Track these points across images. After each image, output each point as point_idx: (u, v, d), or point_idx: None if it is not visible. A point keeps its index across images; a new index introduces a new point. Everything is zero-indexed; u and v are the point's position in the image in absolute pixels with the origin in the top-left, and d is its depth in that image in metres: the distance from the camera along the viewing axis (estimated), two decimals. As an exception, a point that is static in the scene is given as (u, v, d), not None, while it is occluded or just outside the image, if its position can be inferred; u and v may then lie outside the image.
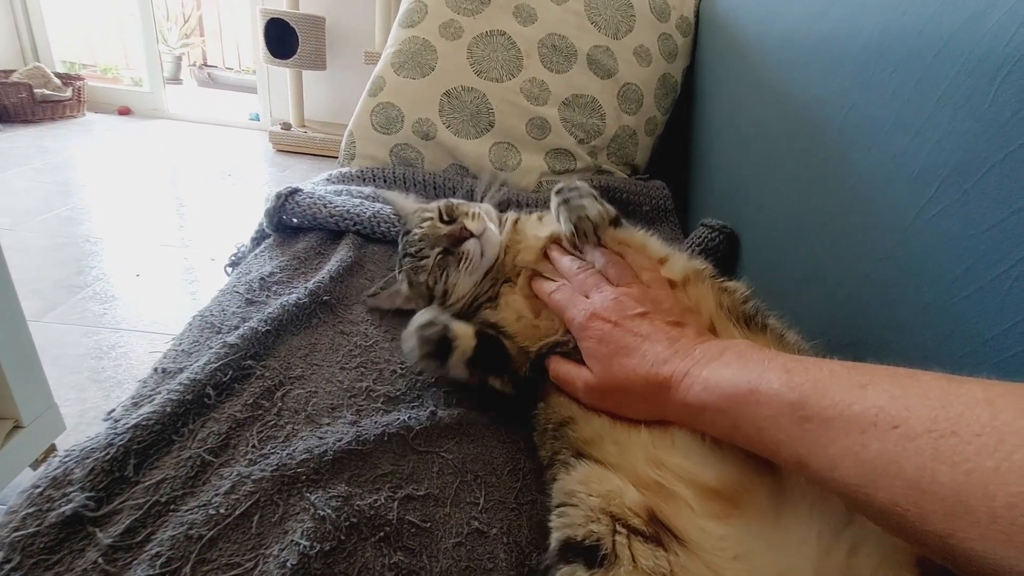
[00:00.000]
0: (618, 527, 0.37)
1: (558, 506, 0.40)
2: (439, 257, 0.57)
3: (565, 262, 0.54)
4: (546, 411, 0.50)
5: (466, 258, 0.55)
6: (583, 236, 0.53)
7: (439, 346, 0.49)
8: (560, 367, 0.49)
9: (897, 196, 0.56)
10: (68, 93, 3.15)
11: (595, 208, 0.54)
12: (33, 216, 1.98)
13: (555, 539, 0.38)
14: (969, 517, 0.23)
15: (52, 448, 0.97)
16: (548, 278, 0.55)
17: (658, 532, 0.37)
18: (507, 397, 0.51)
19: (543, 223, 0.62)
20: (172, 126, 3.48)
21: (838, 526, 0.35)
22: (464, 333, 0.51)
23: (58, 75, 3.21)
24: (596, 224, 0.53)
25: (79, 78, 3.31)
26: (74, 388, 1.23)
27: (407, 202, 0.70)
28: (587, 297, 0.49)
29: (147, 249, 1.88)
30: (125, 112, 3.52)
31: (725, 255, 0.85)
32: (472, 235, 0.56)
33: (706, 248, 0.85)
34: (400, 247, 0.62)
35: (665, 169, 1.17)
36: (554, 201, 0.57)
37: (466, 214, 0.59)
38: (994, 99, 0.46)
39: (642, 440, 0.43)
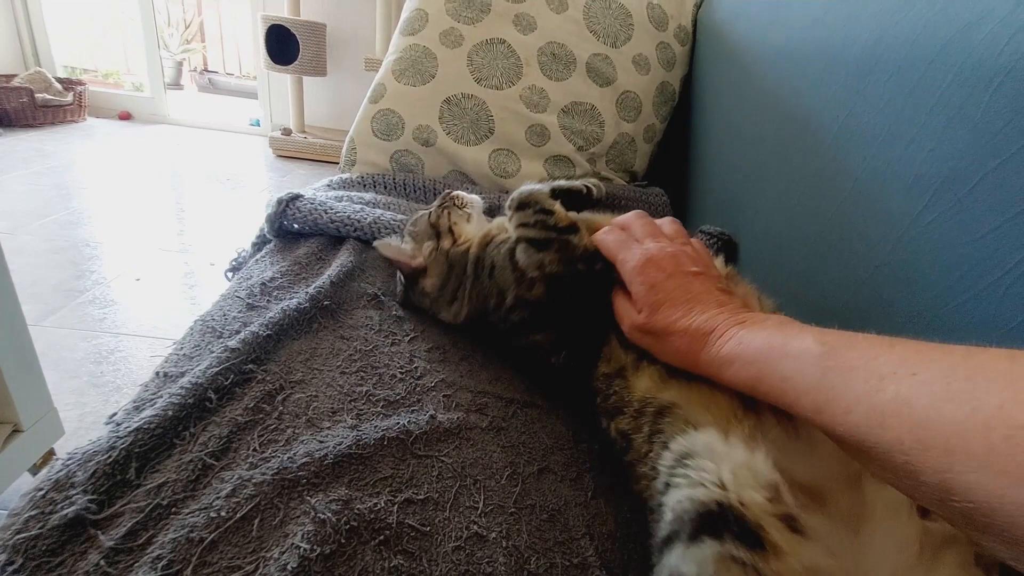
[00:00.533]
0: (772, 506, 0.35)
1: (679, 464, 0.39)
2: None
3: (626, 216, 0.56)
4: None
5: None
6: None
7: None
8: (618, 300, 0.51)
9: (892, 204, 0.56)
10: (69, 98, 3.17)
11: None
12: (33, 220, 1.98)
13: (682, 503, 0.36)
14: (968, 450, 0.24)
15: (51, 452, 0.97)
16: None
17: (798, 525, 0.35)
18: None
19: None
20: (173, 131, 3.49)
21: (912, 551, 0.34)
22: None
23: (59, 80, 3.22)
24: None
25: (80, 83, 3.33)
26: (73, 392, 1.23)
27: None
28: (640, 243, 0.51)
29: (147, 253, 1.89)
30: (126, 117, 3.54)
31: (724, 261, 0.86)
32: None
33: (704, 254, 0.85)
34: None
35: (664, 176, 1.18)
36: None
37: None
38: (987, 108, 0.47)
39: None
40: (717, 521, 0.34)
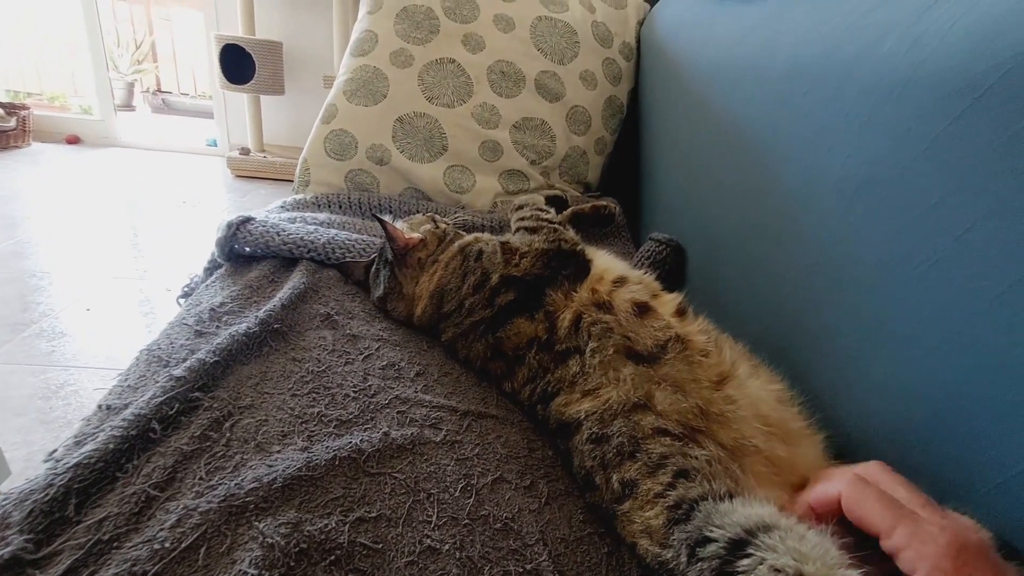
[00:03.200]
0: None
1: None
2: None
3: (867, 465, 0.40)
4: None
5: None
6: None
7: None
8: None
9: (819, 207, 0.60)
10: (12, 123, 3.04)
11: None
12: (-26, 252, 1.89)
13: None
14: None
15: (-5, 495, 0.92)
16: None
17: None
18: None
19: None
20: (125, 154, 3.39)
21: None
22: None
23: (1, 104, 3.10)
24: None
25: (24, 107, 3.20)
26: (20, 431, 1.17)
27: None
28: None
29: (99, 282, 1.82)
30: (74, 141, 3.42)
31: (672, 267, 0.89)
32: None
33: (655, 261, 0.88)
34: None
35: (616, 186, 1.21)
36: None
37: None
38: (892, 116, 0.51)
39: None
40: None
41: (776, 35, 0.70)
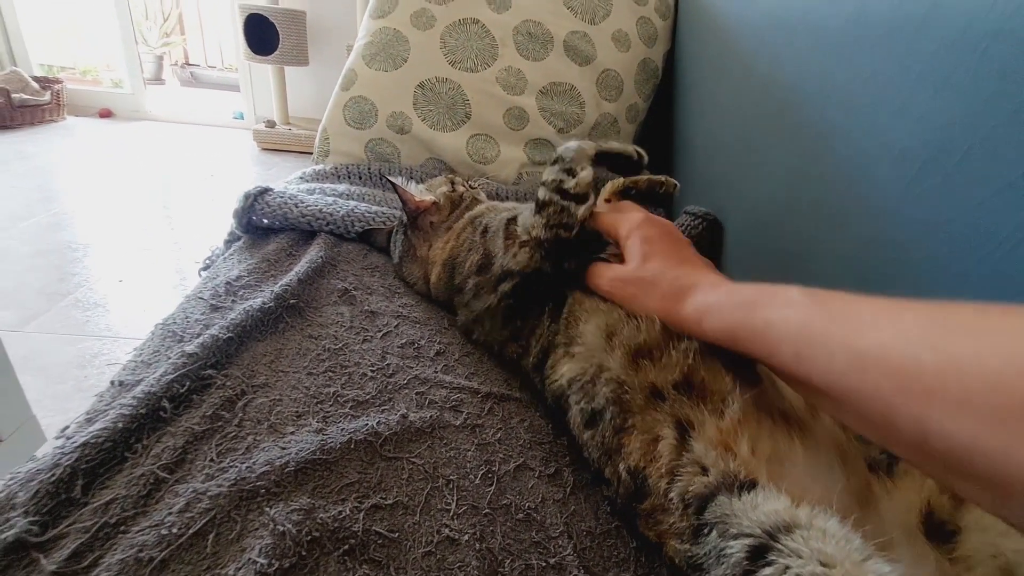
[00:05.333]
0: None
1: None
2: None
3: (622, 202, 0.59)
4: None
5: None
6: None
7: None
8: (596, 264, 0.53)
9: (879, 178, 0.54)
10: (47, 97, 3.10)
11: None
12: (13, 223, 1.94)
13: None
14: (945, 395, 0.24)
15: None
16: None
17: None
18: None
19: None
20: (155, 127, 3.43)
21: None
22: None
23: (36, 79, 3.15)
24: None
25: (57, 81, 3.26)
26: (57, 398, 1.20)
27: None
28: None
29: (131, 254, 1.86)
30: (106, 114, 3.47)
31: (709, 242, 0.84)
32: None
33: (690, 235, 0.83)
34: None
35: (649, 156, 1.15)
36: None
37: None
38: (975, 74, 0.45)
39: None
40: None
41: (837, -16, 0.63)
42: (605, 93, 1.02)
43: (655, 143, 1.17)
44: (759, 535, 0.32)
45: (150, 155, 2.96)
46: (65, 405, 1.19)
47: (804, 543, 0.30)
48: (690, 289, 0.44)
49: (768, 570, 0.30)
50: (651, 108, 1.13)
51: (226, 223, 0.77)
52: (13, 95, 2.92)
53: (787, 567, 0.29)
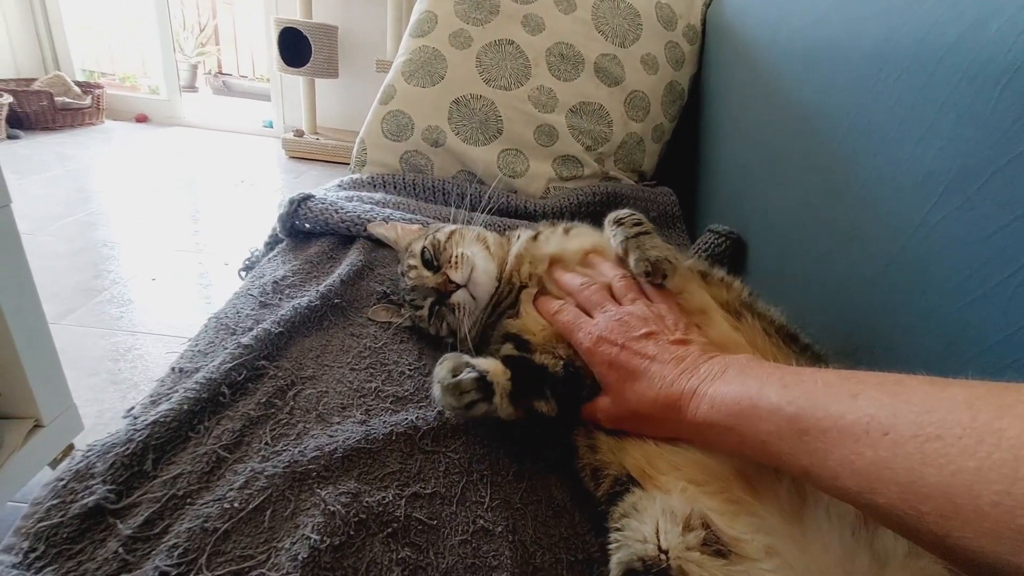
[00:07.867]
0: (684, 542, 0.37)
1: (616, 529, 0.40)
2: (435, 308, 0.56)
3: (567, 278, 0.54)
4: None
5: (459, 308, 0.54)
6: (659, 275, 0.50)
7: (480, 389, 0.45)
8: (586, 406, 0.49)
9: (901, 201, 0.56)
10: (87, 101, 3.23)
11: (668, 251, 0.52)
12: (52, 221, 2.03)
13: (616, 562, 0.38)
14: (960, 516, 0.24)
15: (71, 447, 0.99)
16: (553, 296, 0.55)
17: (714, 539, 0.37)
18: (551, 417, 0.48)
19: (571, 236, 0.60)
20: (188, 133, 3.55)
21: (857, 529, 0.36)
22: (494, 368, 0.47)
23: (78, 83, 3.29)
24: (674, 267, 0.50)
25: (98, 86, 3.40)
26: (92, 389, 1.25)
27: (395, 233, 0.72)
28: (592, 317, 0.50)
29: (162, 254, 1.92)
30: (142, 120, 3.60)
31: (732, 260, 0.86)
32: (458, 286, 0.55)
33: (712, 253, 0.85)
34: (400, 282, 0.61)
35: (672, 175, 1.17)
36: (617, 232, 0.55)
37: (449, 261, 0.56)
38: (996, 106, 0.46)
39: (659, 449, 0.44)
40: None
41: (863, 15, 0.65)
42: (632, 113, 1.05)
43: (680, 162, 1.20)
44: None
45: (182, 160, 3.06)
46: (99, 396, 1.24)
47: None
48: (676, 405, 0.41)
49: None
50: (676, 128, 1.16)
51: (254, 228, 0.81)
52: (56, 98, 3.04)
53: None
